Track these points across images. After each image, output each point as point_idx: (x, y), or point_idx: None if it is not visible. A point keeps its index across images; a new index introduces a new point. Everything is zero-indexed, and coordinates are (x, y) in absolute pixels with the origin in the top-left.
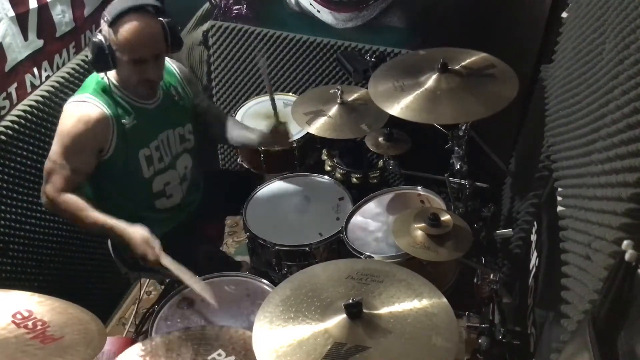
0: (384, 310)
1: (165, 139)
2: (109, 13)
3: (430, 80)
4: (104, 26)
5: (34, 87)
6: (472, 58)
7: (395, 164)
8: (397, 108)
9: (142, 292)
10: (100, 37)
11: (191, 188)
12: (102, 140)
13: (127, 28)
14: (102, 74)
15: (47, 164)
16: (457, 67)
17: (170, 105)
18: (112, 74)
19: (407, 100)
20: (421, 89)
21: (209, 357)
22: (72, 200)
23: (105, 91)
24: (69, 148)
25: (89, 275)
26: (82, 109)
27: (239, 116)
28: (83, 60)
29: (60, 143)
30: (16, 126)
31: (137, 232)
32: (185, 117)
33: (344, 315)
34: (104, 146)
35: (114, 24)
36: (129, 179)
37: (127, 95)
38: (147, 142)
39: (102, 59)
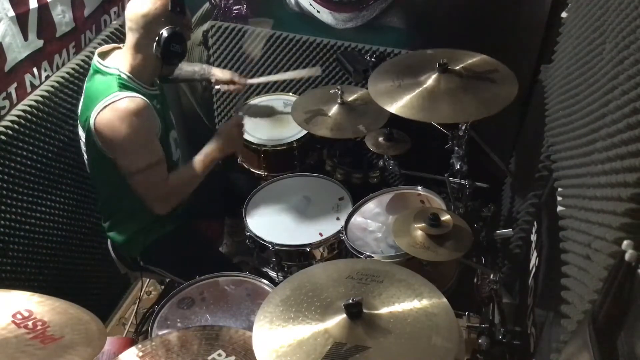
0: (384, 311)
1: (172, 121)
2: (176, 4)
3: (430, 80)
4: (168, 17)
5: (34, 87)
6: (473, 59)
7: (395, 164)
8: (397, 106)
9: (142, 292)
10: (168, 31)
11: None
12: (156, 123)
13: (186, 11)
14: (116, 71)
15: (137, 179)
16: (457, 68)
17: (161, 91)
18: (125, 68)
19: (407, 98)
20: (421, 88)
21: (209, 357)
22: (175, 175)
23: (128, 85)
24: (145, 143)
25: (89, 275)
26: (125, 104)
27: None
28: (83, 61)
29: (131, 149)
30: (16, 126)
31: (223, 134)
32: (167, 101)
33: (344, 315)
34: (158, 130)
35: (182, 11)
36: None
37: (142, 85)
38: (171, 124)
39: (185, 45)
